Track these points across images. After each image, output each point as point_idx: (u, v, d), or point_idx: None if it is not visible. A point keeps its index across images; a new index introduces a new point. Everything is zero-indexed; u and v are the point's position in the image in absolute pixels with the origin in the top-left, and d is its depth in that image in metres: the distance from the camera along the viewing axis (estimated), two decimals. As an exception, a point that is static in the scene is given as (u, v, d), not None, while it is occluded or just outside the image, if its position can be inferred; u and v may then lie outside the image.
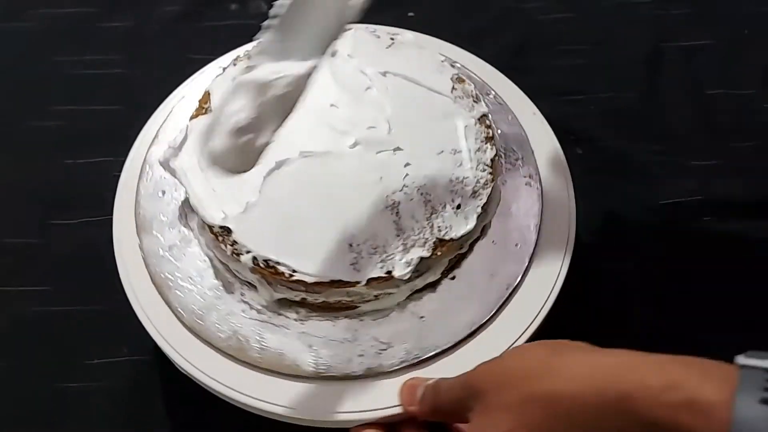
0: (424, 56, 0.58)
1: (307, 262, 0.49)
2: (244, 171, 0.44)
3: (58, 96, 0.71)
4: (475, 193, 0.52)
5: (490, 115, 0.55)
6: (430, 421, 0.48)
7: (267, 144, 0.43)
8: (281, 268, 0.49)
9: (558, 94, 0.69)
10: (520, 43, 0.74)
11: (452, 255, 0.52)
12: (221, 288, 0.52)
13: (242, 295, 0.52)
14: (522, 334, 0.51)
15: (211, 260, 0.53)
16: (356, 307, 0.51)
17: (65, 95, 0.71)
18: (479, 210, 0.51)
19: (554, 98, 0.66)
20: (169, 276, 0.52)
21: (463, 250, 0.53)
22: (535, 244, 0.54)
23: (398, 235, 0.50)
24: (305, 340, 0.50)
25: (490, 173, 0.53)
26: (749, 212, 0.63)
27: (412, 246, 0.50)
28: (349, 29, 0.59)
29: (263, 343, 0.50)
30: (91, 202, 0.63)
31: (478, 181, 0.52)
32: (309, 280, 0.48)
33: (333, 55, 0.57)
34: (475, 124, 0.55)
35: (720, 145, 0.67)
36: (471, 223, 0.51)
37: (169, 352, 0.51)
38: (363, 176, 0.51)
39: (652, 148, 0.67)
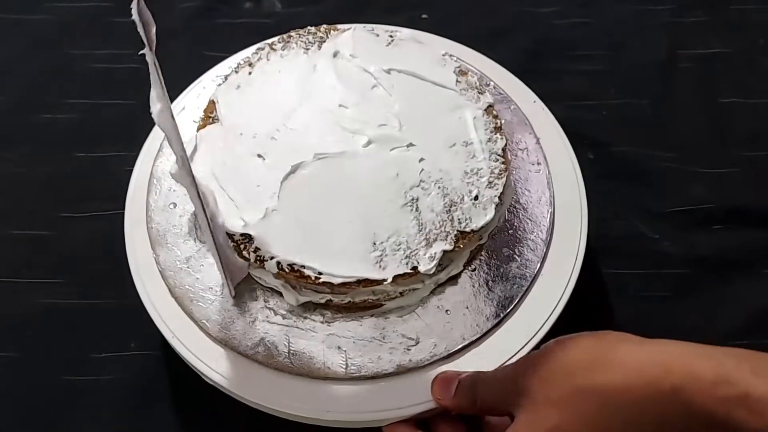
0: (425, 51, 0.58)
1: (332, 264, 0.49)
2: None
3: (72, 89, 0.70)
4: (490, 184, 0.52)
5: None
6: (463, 414, 0.48)
7: None
8: (307, 272, 0.48)
9: (572, 98, 0.68)
10: (535, 47, 0.73)
11: (473, 246, 0.52)
12: (243, 296, 0.52)
13: (266, 301, 0.51)
14: (547, 319, 0.51)
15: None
16: (381, 305, 0.51)
17: (80, 89, 0.70)
18: (496, 200, 0.51)
19: (568, 103, 0.66)
20: (190, 288, 0.52)
21: (483, 241, 0.53)
22: (550, 233, 0.54)
23: (420, 230, 0.50)
24: (333, 342, 0.50)
25: (503, 163, 0.53)
26: (760, 221, 0.62)
27: (435, 240, 0.50)
28: (347, 29, 0.59)
29: (292, 348, 0.50)
30: (104, 195, 0.62)
31: (492, 172, 0.52)
32: (335, 281, 0.48)
33: (335, 55, 0.57)
34: (483, 115, 0.55)
35: (732, 154, 0.66)
36: (490, 214, 0.51)
37: (200, 366, 0.50)
38: (379, 174, 0.51)
39: (665, 154, 0.66)
